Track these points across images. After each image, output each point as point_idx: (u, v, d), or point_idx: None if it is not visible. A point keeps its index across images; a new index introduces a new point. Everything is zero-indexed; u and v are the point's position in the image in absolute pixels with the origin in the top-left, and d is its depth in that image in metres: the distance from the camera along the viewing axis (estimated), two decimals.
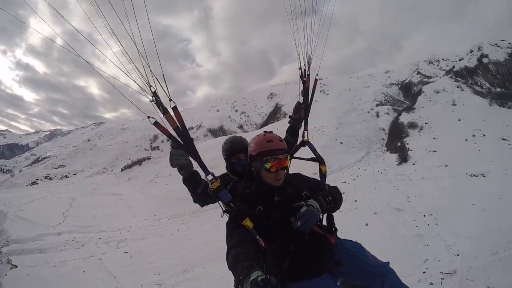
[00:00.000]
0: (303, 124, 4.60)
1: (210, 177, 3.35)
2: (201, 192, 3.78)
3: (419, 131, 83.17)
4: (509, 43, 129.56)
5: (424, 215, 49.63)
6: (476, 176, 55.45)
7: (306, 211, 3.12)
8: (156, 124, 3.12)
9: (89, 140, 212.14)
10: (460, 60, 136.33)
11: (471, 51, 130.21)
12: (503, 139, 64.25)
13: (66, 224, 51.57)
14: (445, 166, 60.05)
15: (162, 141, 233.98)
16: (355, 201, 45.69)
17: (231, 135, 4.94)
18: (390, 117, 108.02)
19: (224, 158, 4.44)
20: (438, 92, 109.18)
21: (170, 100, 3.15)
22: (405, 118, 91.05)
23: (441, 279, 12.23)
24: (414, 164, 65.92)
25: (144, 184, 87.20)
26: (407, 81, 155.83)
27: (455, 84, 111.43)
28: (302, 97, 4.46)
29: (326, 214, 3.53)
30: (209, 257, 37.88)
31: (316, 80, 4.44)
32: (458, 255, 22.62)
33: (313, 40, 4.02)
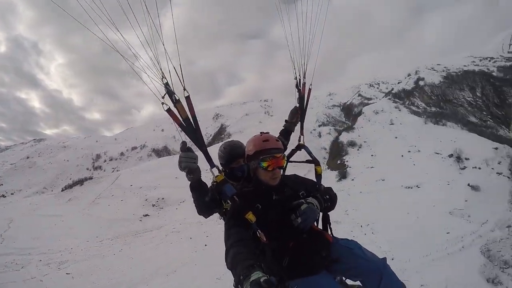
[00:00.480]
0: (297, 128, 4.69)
1: (215, 170, 3.41)
2: (210, 200, 3.65)
3: (358, 149, 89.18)
4: (444, 67, 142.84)
5: (361, 226, 49.35)
6: (411, 187, 57.24)
7: (306, 209, 3.18)
8: (169, 111, 3.20)
9: (28, 157, 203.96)
10: (398, 83, 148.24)
11: (409, 75, 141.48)
12: (436, 153, 66.86)
13: (4, 246, 52.18)
14: (382, 180, 63.50)
15: (105, 161, 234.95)
16: None
17: (228, 140, 4.69)
18: (331, 136, 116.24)
19: (222, 164, 4.36)
20: (377, 112, 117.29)
21: (184, 89, 3.25)
22: (345, 137, 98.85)
23: None
24: (353, 180, 70.67)
25: (85, 205, 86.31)
26: (348, 102, 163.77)
27: (393, 105, 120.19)
28: (298, 104, 4.51)
29: (321, 214, 3.57)
30: (152, 275, 37.84)
31: (310, 89, 4.50)
32: (393, 259, 22.09)
33: (307, 52, 4.23)
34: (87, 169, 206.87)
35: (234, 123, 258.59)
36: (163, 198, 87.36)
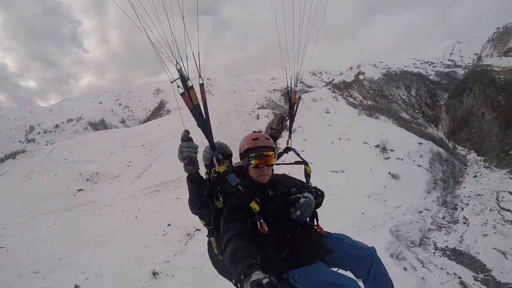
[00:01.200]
0: (285, 133, 4.83)
1: (220, 157, 3.59)
2: (207, 194, 3.64)
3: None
4: (386, 65, 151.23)
5: None
6: (336, 172, 59.37)
7: (304, 202, 3.40)
8: (183, 95, 3.36)
9: None
10: (340, 74, 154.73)
11: (351, 68, 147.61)
12: (365, 142, 69.82)
13: None
14: (310, 163, 62.80)
15: (39, 133, 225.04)
16: None
17: (216, 142, 4.37)
18: (268, 119, 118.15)
19: (207, 165, 4.49)
20: (315, 100, 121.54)
21: (200, 76, 3.44)
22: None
23: None
24: (283, 161, 69.68)
25: (18, 180, 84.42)
26: (288, 88, 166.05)
27: (332, 95, 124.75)
28: (288, 110, 4.86)
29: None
30: (84, 246, 41.72)
31: (299, 98, 4.90)
32: None
33: (300, 64, 4.55)
34: (20, 141, 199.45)
35: (174, 100, 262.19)
36: (97, 173, 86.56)
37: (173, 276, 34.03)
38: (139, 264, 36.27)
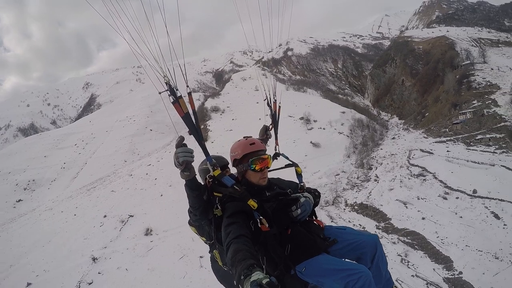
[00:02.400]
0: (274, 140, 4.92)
1: (213, 162, 3.58)
2: (207, 199, 3.59)
3: (221, 114, 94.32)
4: (315, 40, 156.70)
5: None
6: None
7: (305, 201, 3.47)
8: (175, 104, 3.36)
9: None
10: (269, 52, 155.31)
11: (280, 45, 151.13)
12: (290, 116, 72.10)
13: None
14: (238, 141, 66.64)
15: None
16: (155, 179, 65.89)
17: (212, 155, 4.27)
18: (199, 103, 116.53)
19: (204, 177, 4.14)
20: (245, 79, 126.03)
21: (187, 86, 3.47)
22: (209, 103, 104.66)
23: None
24: (212, 142, 73.81)
25: None
26: (220, 69, 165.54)
27: (261, 73, 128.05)
28: (271, 119, 4.92)
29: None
30: (30, 249, 48.35)
31: (279, 107, 4.89)
32: None
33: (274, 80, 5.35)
34: None
35: (104, 92, 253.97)
36: (33, 180, 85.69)
37: (110, 258, 40.87)
38: (80, 254, 42.61)
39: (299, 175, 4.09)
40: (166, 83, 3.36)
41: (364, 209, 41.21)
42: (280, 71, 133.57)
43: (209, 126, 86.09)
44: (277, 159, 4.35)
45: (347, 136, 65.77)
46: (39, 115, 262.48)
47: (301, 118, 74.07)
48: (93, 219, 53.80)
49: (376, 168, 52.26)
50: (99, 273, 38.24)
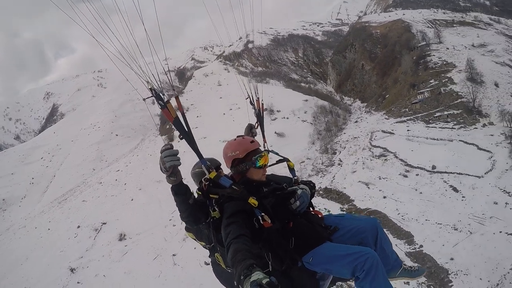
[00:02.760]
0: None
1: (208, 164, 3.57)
2: (193, 203, 3.57)
3: (185, 112, 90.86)
4: (275, 31, 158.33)
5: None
6: (227, 141, 61.45)
7: (302, 193, 3.52)
8: (163, 109, 3.30)
9: None
10: (230, 45, 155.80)
11: (240, 38, 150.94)
12: (246, 98, 72.02)
13: None
14: (204, 138, 67.90)
15: None
16: (125, 184, 67.89)
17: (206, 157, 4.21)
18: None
19: (198, 181, 4.26)
20: (207, 75, 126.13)
21: (173, 89, 3.57)
22: (173, 102, 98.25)
23: None
24: (178, 141, 72.07)
25: None
26: (182, 67, 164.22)
27: (223, 67, 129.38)
28: (256, 118, 4.95)
29: None
30: (9, 269, 49.87)
31: (262, 104, 5.07)
32: None
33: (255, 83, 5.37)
34: None
35: (66, 101, 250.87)
36: (3, 199, 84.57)
37: (87, 267, 42.88)
38: (58, 267, 44.47)
39: (291, 169, 4.16)
40: (150, 89, 3.27)
41: (329, 193, 42.14)
42: (241, 64, 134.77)
43: (173, 126, 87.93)
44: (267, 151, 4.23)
45: (311, 123, 67.03)
46: (1, 131, 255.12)
47: (265, 110, 74.52)
48: (67, 231, 55.34)
49: (340, 152, 53.52)
50: (78, 282, 40.47)
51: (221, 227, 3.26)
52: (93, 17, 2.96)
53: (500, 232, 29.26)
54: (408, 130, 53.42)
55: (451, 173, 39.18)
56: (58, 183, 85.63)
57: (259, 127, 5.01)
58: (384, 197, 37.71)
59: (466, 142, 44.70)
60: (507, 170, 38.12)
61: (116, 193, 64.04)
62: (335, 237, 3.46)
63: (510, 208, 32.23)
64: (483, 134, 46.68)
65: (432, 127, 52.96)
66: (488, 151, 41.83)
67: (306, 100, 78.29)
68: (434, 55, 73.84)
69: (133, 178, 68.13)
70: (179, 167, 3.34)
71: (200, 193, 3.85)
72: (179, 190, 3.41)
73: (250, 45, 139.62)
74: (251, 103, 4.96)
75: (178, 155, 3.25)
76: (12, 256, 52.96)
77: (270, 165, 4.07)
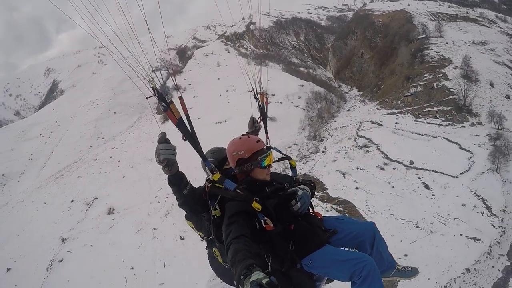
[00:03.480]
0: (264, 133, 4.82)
1: (212, 166, 3.54)
2: (188, 193, 3.55)
3: (182, 92, 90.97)
4: (279, 13, 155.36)
5: None
6: (221, 122, 61.77)
7: (303, 194, 3.52)
8: (167, 111, 3.26)
9: None
10: (232, 26, 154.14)
11: (243, 18, 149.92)
12: (249, 91, 71.93)
13: None
14: (198, 118, 69.42)
15: None
16: (119, 161, 70.91)
17: (211, 148, 4.47)
18: (161, 81, 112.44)
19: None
20: (207, 55, 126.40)
21: (178, 89, 3.79)
22: (170, 81, 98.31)
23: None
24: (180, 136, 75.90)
25: None
26: (183, 46, 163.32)
27: (224, 48, 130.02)
28: (259, 112, 4.84)
29: None
30: (6, 240, 53.44)
31: (266, 98, 4.84)
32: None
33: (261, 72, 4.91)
34: None
35: (66, 78, 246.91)
36: (3, 175, 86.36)
37: (77, 238, 46.85)
38: (51, 237, 48.58)
39: (293, 168, 4.15)
40: (152, 88, 3.24)
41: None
42: (242, 45, 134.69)
43: (176, 127, 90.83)
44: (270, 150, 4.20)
45: (303, 109, 68.17)
46: (2, 107, 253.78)
47: (259, 93, 75.62)
48: (62, 205, 58.77)
49: (327, 139, 54.30)
50: (68, 251, 44.68)
51: (221, 225, 3.35)
52: None
53: (461, 235, 31.10)
54: (396, 123, 54.84)
55: (426, 170, 40.90)
56: (55, 159, 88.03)
57: (262, 122, 4.90)
58: (357, 188, 39.46)
59: (449, 140, 46.29)
60: (483, 172, 39.53)
61: (109, 169, 67.13)
62: (334, 240, 3.54)
63: (477, 212, 34.13)
64: (469, 134, 47.97)
65: (420, 121, 54.25)
66: (469, 151, 43.17)
67: (302, 86, 79.53)
68: (432, 49, 74.46)
69: (127, 155, 71.02)
70: (176, 157, 3.37)
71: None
72: (174, 181, 3.46)
73: (252, 27, 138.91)
74: (255, 97, 4.85)
75: (174, 150, 3.28)
76: (9, 229, 55.95)
77: (274, 162, 4.13)
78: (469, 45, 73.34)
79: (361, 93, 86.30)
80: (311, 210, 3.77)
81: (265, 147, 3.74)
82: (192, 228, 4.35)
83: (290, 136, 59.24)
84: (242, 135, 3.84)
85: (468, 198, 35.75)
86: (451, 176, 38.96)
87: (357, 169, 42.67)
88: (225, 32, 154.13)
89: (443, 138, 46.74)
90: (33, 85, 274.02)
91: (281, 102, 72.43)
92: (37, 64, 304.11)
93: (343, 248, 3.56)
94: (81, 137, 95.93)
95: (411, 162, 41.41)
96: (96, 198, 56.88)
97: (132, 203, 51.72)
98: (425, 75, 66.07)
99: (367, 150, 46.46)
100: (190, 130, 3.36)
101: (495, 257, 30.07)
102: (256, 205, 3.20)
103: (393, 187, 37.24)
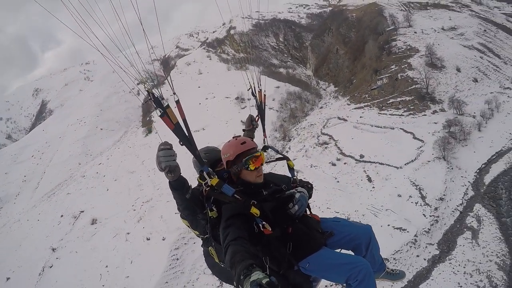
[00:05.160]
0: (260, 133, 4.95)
1: (209, 170, 3.50)
2: (190, 198, 3.54)
3: (152, 92, 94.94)
4: (260, 14, 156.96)
5: (149, 171, 68.86)
6: (198, 131, 64.59)
7: (300, 197, 3.54)
8: (163, 116, 3.20)
9: None
10: (213, 32, 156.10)
11: (224, 24, 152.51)
12: (227, 97, 74.75)
13: None
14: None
15: None
16: (104, 176, 77.41)
17: (204, 147, 4.44)
18: (146, 93, 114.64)
19: (200, 171, 3.88)
20: (189, 64, 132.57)
21: (174, 93, 3.30)
22: (143, 85, 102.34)
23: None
24: (156, 133, 76.75)
25: None
26: (166, 56, 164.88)
27: (205, 55, 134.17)
28: (257, 110, 4.86)
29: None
30: (5, 256, 58.88)
31: (264, 95, 4.85)
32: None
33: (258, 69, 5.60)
34: None
35: (54, 97, 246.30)
36: None
37: (65, 246, 54.72)
38: (44, 248, 56.19)
39: (291, 169, 4.16)
40: (147, 91, 3.23)
41: None
42: (224, 50, 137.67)
43: (153, 117, 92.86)
44: (266, 152, 4.35)
45: (277, 110, 70.10)
46: None
47: (237, 98, 77.67)
48: (53, 220, 65.57)
49: (294, 139, 56.24)
50: (57, 258, 52.80)
51: (217, 226, 3.40)
52: (75, 10, 2.87)
53: (388, 225, 33.29)
54: (361, 117, 56.70)
55: (373, 162, 42.79)
56: (47, 179, 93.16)
57: (259, 120, 4.96)
58: None
59: (405, 131, 47.67)
60: (429, 161, 40.81)
61: (95, 184, 73.71)
62: (330, 242, 3.58)
63: (411, 202, 35.84)
64: (427, 122, 48.84)
65: (383, 113, 55.55)
66: (421, 140, 44.38)
67: (278, 87, 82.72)
68: (399, 40, 75.69)
69: (111, 170, 77.45)
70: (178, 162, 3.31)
71: (200, 181, 3.83)
72: (177, 186, 3.44)
73: (232, 31, 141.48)
74: (253, 94, 4.83)
75: (174, 155, 3.21)
76: (8, 245, 62.97)
77: (268, 162, 4.32)
78: (438, 32, 74.70)
79: (336, 89, 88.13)
80: (308, 212, 3.84)
81: (251, 148, 3.68)
82: (188, 226, 4.26)
83: (261, 138, 60.75)
84: (233, 137, 3.88)
85: (406, 188, 37.45)
86: (395, 167, 40.71)
87: (311, 167, 45.73)
88: (207, 38, 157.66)
89: (400, 129, 48.40)
90: (22, 107, 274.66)
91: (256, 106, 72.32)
92: (25, 85, 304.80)
93: (339, 250, 3.69)
94: (70, 155, 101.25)
95: (361, 156, 44.05)
96: (82, 211, 64.20)
97: (113, 212, 59.32)
98: (392, 66, 67.44)
99: (326, 147, 49.19)
100: (187, 135, 3.34)
101: (422, 246, 31.65)
102: (254, 211, 3.24)
103: (338, 181, 39.17)
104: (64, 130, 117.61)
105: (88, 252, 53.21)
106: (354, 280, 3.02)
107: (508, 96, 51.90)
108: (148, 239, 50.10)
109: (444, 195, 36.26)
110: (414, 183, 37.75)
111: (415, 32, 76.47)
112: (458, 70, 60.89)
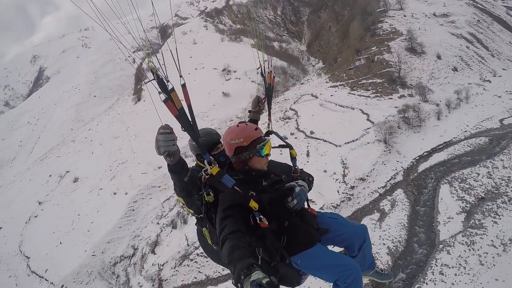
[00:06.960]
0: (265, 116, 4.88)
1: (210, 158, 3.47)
2: (188, 181, 3.59)
3: (156, 72, 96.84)
4: None
5: (131, 136, 79.18)
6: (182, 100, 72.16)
7: (300, 191, 3.59)
8: (167, 101, 3.04)
9: None
10: (213, 1, 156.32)
11: None
12: (214, 68, 78.20)
13: None
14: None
15: None
16: (91, 140, 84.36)
17: (201, 128, 4.19)
18: (145, 62, 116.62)
19: (197, 154, 4.38)
20: (186, 33, 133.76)
21: (181, 76, 3.12)
22: (146, 62, 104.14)
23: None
24: (144, 101, 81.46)
25: None
26: (165, 24, 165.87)
27: (203, 24, 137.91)
28: (265, 91, 4.85)
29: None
30: None
31: (274, 77, 4.90)
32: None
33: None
34: None
35: (52, 64, 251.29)
36: None
37: (50, 200, 64.23)
38: (32, 203, 65.49)
39: (293, 158, 4.18)
40: (152, 71, 3.10)
41: None
42: (221, 21, 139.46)
43: (143, 86, 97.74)
44: (269, 137, 4.24)
45: (258, 84, 72.48)
46: None
47: (223, 70, 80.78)
48: (42, 179, 74.98)
49: (264, 112, 59.26)
50: (42, 210, 62.51)
51: (213, 209, 3.48)
52: None
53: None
54: (331, 95, 58.79)
55: (319, 139, 45.35)
56: (42, 144, 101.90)
57: (266, 102, 4.91)
58: None
59: (363, 112, 49.42)
60: (368, 143, 41.94)
61: (83, 148, 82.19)
62: (325, 239, 3.65)
63: (333, 179, 37.91)
64: (388, 106, 49.68)
65: (352, 93, 57.20)
66: (372, 122, 45.92)
67: (265, 61, 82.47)
68: (386, 22, 74.98)
69: (99, 135, 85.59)
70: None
71: (199, 163, 4.13)
72: (176, 169, 3.43)
73: (231, 2, 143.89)
74: (262, 75, 4.78)
75: (174, 140, 3.14)
76: (2, 202, 72.05)
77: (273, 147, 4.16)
78: (428, 17, 74.52)
79: (323, 66, 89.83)
80: (306, 206, 3.83)
81: (263, 135, 3.74)
82: (183, 204, 4.21)
83: (237, 110, 68.97)
84: (240, 122, 3.83)
85: (334, 165, 39.21)
86: (335, 145, 42.85)
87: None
88: (206, 8, 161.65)
89: (359, 109, 49.97)
90: (20, 73, 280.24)
91: (239, 79, 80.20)
92: (23, 52, 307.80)
93: (332, 246, 3.77)
94: (63, 121, 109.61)
95: (312, 132, 47.01)
96: (68, 172, 73.12)
97: (92, 172, 68.11)
98: (372, 48, 67.93)
99: (287, 122, 52.72)
100: (191, 122, 3.22)
101: None
102: (253, 204, 3.25)
103: (281, 153, 41.91)
104: (60, 97, 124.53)
105: (67, 205, 63.51)
106: (343, 282, 3.13)
107: (484, 89, 52.65)
108: (115, 193, 59.62)
109: (367, 176, 37.30)
110: (343, 161, 39.57)
111: (405, 16, 76.30)
112: (439, 57, 61.41)
